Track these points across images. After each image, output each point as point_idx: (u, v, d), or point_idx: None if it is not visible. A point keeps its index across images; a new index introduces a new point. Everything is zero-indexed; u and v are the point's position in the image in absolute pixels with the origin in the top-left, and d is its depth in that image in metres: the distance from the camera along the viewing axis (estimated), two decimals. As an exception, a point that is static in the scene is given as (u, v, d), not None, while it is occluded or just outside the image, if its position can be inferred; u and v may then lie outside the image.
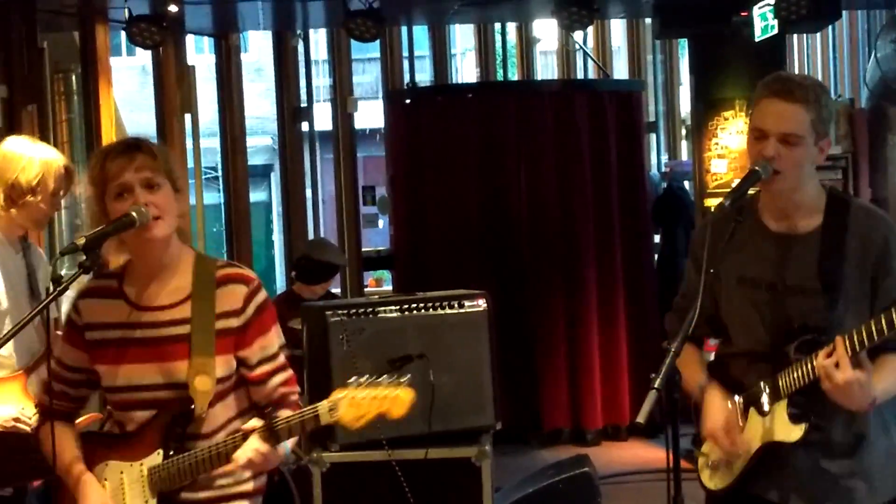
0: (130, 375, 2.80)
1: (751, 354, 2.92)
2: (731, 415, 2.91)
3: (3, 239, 3.81)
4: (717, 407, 2.92)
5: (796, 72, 10.37)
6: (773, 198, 2.88)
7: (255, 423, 2.74)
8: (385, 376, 2.65)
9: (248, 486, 2.88)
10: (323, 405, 2.64)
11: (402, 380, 2.62)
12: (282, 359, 2.89)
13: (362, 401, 2.60)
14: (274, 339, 2.87)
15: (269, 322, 2.86)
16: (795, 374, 2.79)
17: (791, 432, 2.82)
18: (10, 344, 3.42)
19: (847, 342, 2.67)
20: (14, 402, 3.70)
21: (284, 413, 2.79)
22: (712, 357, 3.12)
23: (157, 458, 2.78)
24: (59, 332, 3.22)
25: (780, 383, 2.83)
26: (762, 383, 2.88)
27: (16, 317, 3.65)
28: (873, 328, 2.64)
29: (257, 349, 2.83)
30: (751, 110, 2.91)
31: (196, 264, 2.84)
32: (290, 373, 2.91)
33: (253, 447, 2.68)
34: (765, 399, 2.86)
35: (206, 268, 2.83)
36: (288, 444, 2.78)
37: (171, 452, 2.77)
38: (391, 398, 2.60)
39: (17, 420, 3.66)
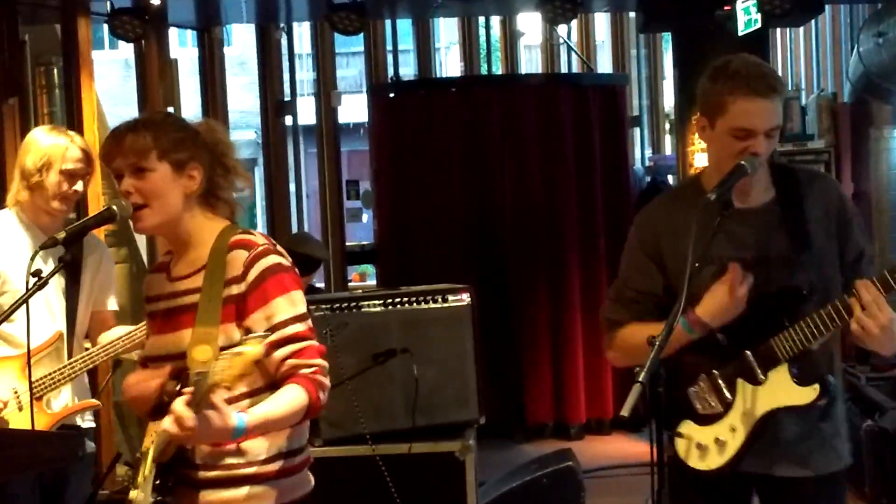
0: (155, 346, 2.80)
1: (728, 332, 2.87)
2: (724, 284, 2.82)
3: (30, 224, 3.86)
4: (716, 292, 2.82)
5: (780, 66, 10.41)
6: (743, 185, 2.85)
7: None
8: (250, 336, 2.54)
9: (265, 469, 2.69)
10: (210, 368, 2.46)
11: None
12: (293, 329, 2.66)
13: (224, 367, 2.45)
14: (282, 307, 2.66)
15: (273, 289, 2.66)
16: (797, 337, 2.80)
17: (801, 395, 2.83)
18: (20, 323, 3.43)
19: (883, 282, 2.69)
20: (7, 382, 3.70)
21: (282, 388, 2.62)
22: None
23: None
24: None
25: (776, 349, 2.83)
26: (747, 353, 2.86)
27: (38, 304, 3.68)
28: None
29: (261, 318, 2.64)
30: (714, 104, 2.85)
31: (219, 235, 2.73)
32: (303, 344, 2.66)
33: (174, 410, 2.47)
34: (757, 368, 2.85)
35: (224, 237, 2.72)
36: (244, 418, 2.53)
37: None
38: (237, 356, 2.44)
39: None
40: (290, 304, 2.67)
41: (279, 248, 2.75)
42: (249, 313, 2.65)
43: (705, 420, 2.92)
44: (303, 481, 2.85)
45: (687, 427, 2.95)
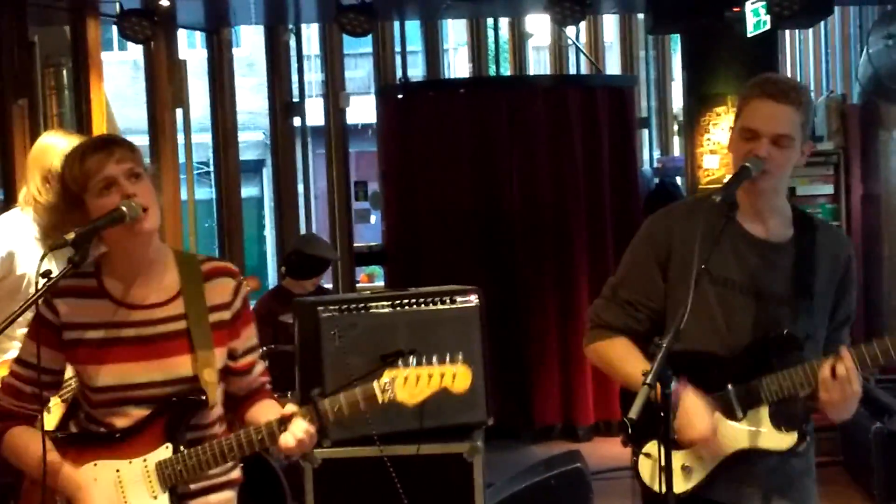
0: (123, 374, 2.75)
1: (714, 357, 2.87)
2: (714, 422, 2.82)
3: (45, 228, 3.84)
4: (702, 411, 2.80)
5: (788, 67, 10.39)
6: (754, 198, 2.86)
7: (293, 407, 2.77)
8: (435, 357, 2.76)
9: (234, 475, 2.91)
10: (377, 384, 2.72)
11: (458, 357, 2.75)
12: (259, 350, 2.97)
13: (417, 379, 2.72)
14: (255, 329, 2.94)
15: (251, 314, 2.93)
16: (784, 383, 2.81)
17: (781, 441, 2.84)
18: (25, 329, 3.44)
19: (860, 354, 2.74)
20: None
21: (265, 402, 2.91)
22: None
23: (164, 452, 2.75)
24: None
25: (763, 390, 2.83)
26: (730, 388, 2.85)
27: None
28: (879, 349, 2.73)
29: (245, 339, 2.89)
30: (737, 109, 2.90)
31: (178, 260, 2.84)
32: (264, 363, 3.00)
33: (302, 429, 2.72)
34: (736, 405, 2.84)
35: (189, 263, 2.84)
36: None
37: (181, 446, 2.75)
38: (450, 374, 2.75)
39: None
40: (255, 326, 2.97)
41: None
42: (237, 336, 2.87)
43: (674, 444, 2.81)
44: None
45: (653, 448, 2.88)
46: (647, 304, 2.95)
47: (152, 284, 2.80)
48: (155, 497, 2.75)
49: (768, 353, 2.84)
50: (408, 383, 2.73)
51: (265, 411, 2.87)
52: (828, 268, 2.91)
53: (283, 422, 2.74)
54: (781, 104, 2.80)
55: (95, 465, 2.77)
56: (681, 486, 2.87)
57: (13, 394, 2.84)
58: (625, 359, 2.93)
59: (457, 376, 2.77)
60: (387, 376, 2.73)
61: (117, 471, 2.76)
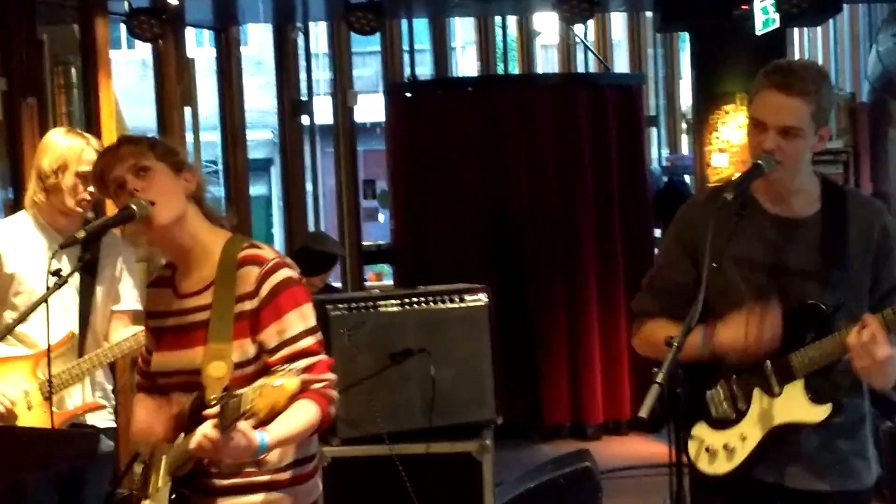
0: (164, 362, 2.81)
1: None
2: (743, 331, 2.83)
3: (46, 225, 3.88)
4: (734, 323, 2.82)
5: (797, 65, 10.35)
6: (771, 184, 2.86)
7: (213, 410, 2.56)
8: (286, 366, 2.59)
9: (280, 476, 2.75)
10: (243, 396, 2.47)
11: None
12: (305, 343, 2.71)
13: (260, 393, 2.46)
14: (294, 321, 2.70)
15: (286, 304, 2.70)
16: (814, 354, 2.79)
17: (814, 412, 2.81)
18: (33, 323, 3.48)
19: (885, 317, 2.69)
20: (18, 381, 3.71)
21: (298, 402, 2.63)
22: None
23: (181, 440, 2.74)
24: None
25: (795, 363, 2.82)
26: (767, 364, 2.85)
27: (54, 303, 3.67)
28: None
29: (274, 333, 2.69)
30: (751, 97, 2.89)
31: (224, 248, 2.76)
32: (314, 359, 2.71)
33: (202, 432, 2.51)
34: (773, 380, 2.85)
35: (231, 251, 2.75)
36: (265, 437, 2.56)
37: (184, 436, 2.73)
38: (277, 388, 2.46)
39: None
40: (301, 318, 2.73)
41: (288, 260, 2.80)
42: (263, 328, 2.70)
43: (718, 425, 2.91)
44: (314, 487, 2.89)
45: (700, 429, 2.93)
46: (684, 287, 2.92)
47: (193, 274, 2.80)
48: (165, 484, 2.74)
49: (800, 327, 2.82)
50: (252, 394, 2.45)
51: (287, 414, 2.62)
52: (861, 237, 2.86)
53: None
54: (787, 96, 2.77)
55: (160, 445, 2.82)
56: (724, 466, 2.90)
57: (139, 373, 3.02)
58: (665, 328, 2.87)
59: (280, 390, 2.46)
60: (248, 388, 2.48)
61: (163, 455, 2.79)
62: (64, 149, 3.84)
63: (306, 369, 2.68)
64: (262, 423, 2.57)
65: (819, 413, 2.81)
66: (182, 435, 2.73)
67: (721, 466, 2.90)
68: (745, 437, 2.88)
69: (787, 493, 2.92)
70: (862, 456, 2.95)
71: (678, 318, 2.84)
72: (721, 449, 2.91)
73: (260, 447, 2.57)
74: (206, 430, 2.51)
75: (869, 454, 2.97)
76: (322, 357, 2.75)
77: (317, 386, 2.70)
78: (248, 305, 2.70)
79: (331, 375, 2.75)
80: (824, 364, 2.79)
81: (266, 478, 2.73)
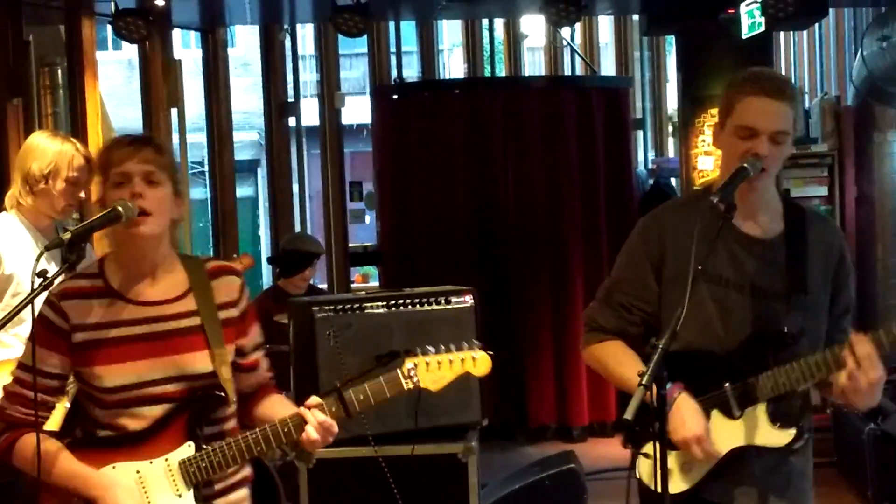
0: (138, 371, 2.72)
1: (711, 356, 2.87)
2: (706, 425, 2.82)
3: (30, 226, 3.89)
4: (694, 412, 2.81)
5: (783, 69, 10.40)
6: (748, 195, 2.84)
7: (316, 399, 2.79)
8: (452, 345, 2.85)
9: (247, 472, 2.92)
10: (401, 372, 2.81)
11: (475, 343, 2.87)
12: (264, 344, 3.01)
13: (439, 365, 2.83)
14: (258, 327, 2.95)
15: (254, 311, 2.95)
16: (782, 379, 2.80)
17: (779, 437, 2.83)
18: (26, 325, 3.43)
19: (877, 338, 2.72)
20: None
21: (273, 397, 2.94)
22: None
23: (187, 450, 2.73)
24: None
25: (757, 388, 2.82)
26: (728, 386, 2.84)
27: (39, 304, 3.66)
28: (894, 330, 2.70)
29: (252, 336, 2.91)
30: (726, 105, 2.86)
31: (183, 261, 2.85)
32: (268, 360, 3.02)
33: (324, 420, 2.75)
34: (733, 403, 2.84)
35: (194, 263, 2.86)
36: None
37: (203, 444, 2.74)
38: (470, 359, 2.88)
39: None
40: (259, 324, 2.98)
41: None
42: (246, 333, 2.89)
43: (673, 445, 2.84)
44: None
45: (651, 448, 2.84)
46: (640, 307, 2.95)
47: (160, 282, 2.79)
48: (179, 495, 2.73)
49: (763, 350, 2.83)
50: (430, 369, 2.83)
51: (275, 406, 2.90)
52: (820, 260, 2.89)
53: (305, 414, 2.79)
54: (778, 101, 2.79)
55: (114, 467, 2.73)
56: (679, 485, 2.88)
57: (21, 402, 2.77)
58: (619, 361, 2.95)
59: (477, 361, 2.91)
60: (409, 363, 2.82)
61: (137, 472, 2.73)
62: (55, 154, 3.84)
63: (269, 367, 3.00)
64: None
65: (783, 437, 2.84)
66: (189, 444, 2.73)
67: (676, 486, 2.87)
68: (701, 457, 2.84)
69: None
70: (806, 477, 2.97)
71: (633, 341, 2.94)
72: (677, 469, 2.88)
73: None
74: (326, 418, 2.75)
75: (810, 471, 2.99)
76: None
77: (274, 383, 3.03)
78: (234, 313, 2.84)
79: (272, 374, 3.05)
80: (789, 389, 2.80)
81: (241, 475, 2.88)
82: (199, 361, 2.74)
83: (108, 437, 2.77)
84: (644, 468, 2.96)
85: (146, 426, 2.74)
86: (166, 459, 2.73)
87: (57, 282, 2.71)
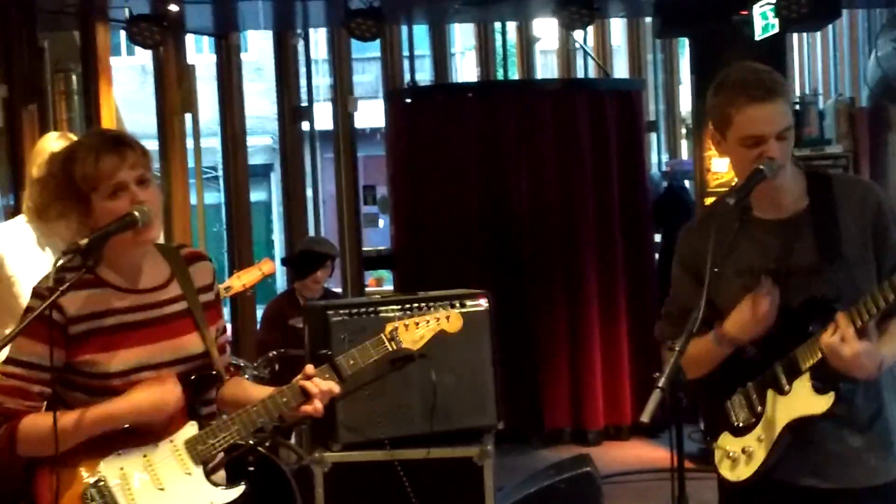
0: (136, 357, 2.79)
1: (761, 342, 2.89)
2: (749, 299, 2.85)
3: (43, 230, 3.88)
4: (741, 308, 2.86)
5: (797, 70, 10.39)
6: (768, 192, 2.86)
7: (311, 368, 2.92)
8: (430, 308, 3.08)
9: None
10: (384, 335, 3.04)
11: (450, 307, 3.08)
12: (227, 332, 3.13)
13: (417, 325, 3.09)
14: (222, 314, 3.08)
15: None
16: (813, 348, 2.79)
17: (817, 404, 2.81)
18: None
19: (851, 315, 2.70)
20: None
21: (236, 378, 3.05)
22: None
23: (191, 429, 2.83)
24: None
25: (799, 359, 2.83)
26: (776, 364, 2.87)
27: None
28: (878, 297, 2.67)
29: (223, 319, 3.04)
30: (721, 117, 2.85)
31: (160, 248, 2.93)
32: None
33: (326, 386, 2.89)
34: (783, 379, 2.86)
35: (169, 250, 2.95)
36: None
37: (204, 422, 2.86)
38: (444, 319, 3.16)
39: None
40: None
41: None
42: (220, 316, 3.02)
43: (741, 431, 2.94)
44: None
45: (723, 439, 2.97)
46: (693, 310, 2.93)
47: (145, 271, 2.87)
48: (189, 473, 2.81)
49: (804, 321, 2.83)
50: (409, 330, 3.09)
51: (241, 385, 3.03)
52: (854, 219, 2.86)
53: (305, 380, 2.90)
54: (772, 102, 2.80)
55: (119, 454, 2.79)
56: (744, 470, 2.92)
57: (20, 395, 2.78)
58: (695, 348, 2.88)
59: (450, 318, 3.20)
60: (389, 327, 3.05)
61: (144, 455, 2.80)
62: (50, 154, 3.83)
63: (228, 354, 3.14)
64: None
65: (822, 403, 2.80)
66: (192, 423, 2.83)
67: (742, 471, 2.92)
68: (762, 438, 2.89)
69: (807, 492, 2.90)
70: (876, 452, 2.89)
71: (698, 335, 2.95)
72: (741, 454, 2.93)
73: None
74: (330, 384, 2.90)
75: (885, 450, 2.90)
76: None
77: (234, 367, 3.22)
78: (211, 296, 2.98)
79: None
80: (822, 356, 2.78)
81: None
82: (192, 343, 2.86)
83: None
84: (718, 456, 2.99)
85: None
86: (171, 440, 2.81)
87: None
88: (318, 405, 2.88)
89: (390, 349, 3.06)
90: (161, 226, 2.85)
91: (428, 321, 3.13)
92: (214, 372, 2.87)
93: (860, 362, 2.70)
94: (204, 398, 2.88)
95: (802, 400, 2.83)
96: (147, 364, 2.79)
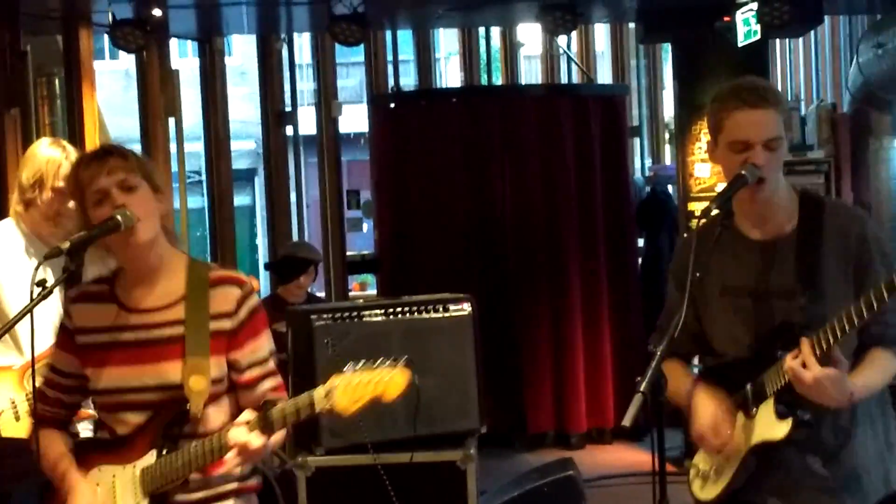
0: (120, 377, 2.78)
1: (738, 363, 2.92)
2: (718, 414, 2.88)
3: (28, 233, 3.87)
4: (704, 406, 2.89)
5: (779, 76, 10.43)
6: (754, 205, 2.87)
7: (247, 415, 2.72)
8: (381, 360, 2.65)
9: (249, 483, 2.90)
10: (319, 391, 2.63)
11: (398, 362, 2.64)
12: (272, 364, 2.87)
13: (357, 385, 2.61)
14: (264, 343, 2.85)
15: (260, 326, 2.85)
16: (779, 373, 2.80)
17: (776, 429, 2.81)
18: (25, 329, 3.44)
19: (814, 341, 2.70)
20: (5, 391, 3.72)
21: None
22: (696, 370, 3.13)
23: (150, 458, 2.76)
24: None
25: (766, 383, 2.84)
26: (747, 387, 2.88)
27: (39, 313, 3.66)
28: (836, 326, 2.67)
29: (248, 352, 2.81)
30: (714, 122, 2.89)
31: (189, 267, 2.83)
32: (279, 379, 2.88)
33: (243, 438, 2.65)
34: (750, 402, 2.87)
35: (199, 271, 2.83)
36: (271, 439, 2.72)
37: (165, 452, 2.74)
38: (386, 381, 2.63)
39: None
40: (268, 340, 2.88)
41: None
42: (239, 347, 2.81)
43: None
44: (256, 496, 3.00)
45: (698, 457, 3.01)
46: (687, 330, 2.85)
47: (155, 289, 2.80)
48: (137, 503, 2.76)
49: (773, 346, 2.84)
50: (349, 389, 2.61)
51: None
52: (837, 248, 2.85)
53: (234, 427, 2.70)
54: (763, 109, 2.82)
55: (99, 469, 2.81)
56: (712, 490, 2.95)
57: (41, 398, 2.90)
58: (674, 377, 2.88)
59: (391, 383, 2.63)
60: (330, 382, 2.63)
61: (114, 476, 2.79)
62: (41, 163, 3.81)
63: (274, 388, 2.86)
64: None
65: (781, 429, 2.81)
66: (153, 452, 2.75)
67: (710, 491, 2.95)
68: (730, 459, 2.90)
69: None
70: (852, 481, 2.87)
71: (685, 354, 3.04)
72: (711, 473, 2.95)
73: (267, 446, 2.70)
74: (247, 436, 2.64)
75: (861, 477, 2.88)
76: (280, 378, 2.90)
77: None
78: (227, 324, 2.78)
79: (286, 396, 2.87)
80: (786, 382, 2.78)
81: (234, 486, 2.83)
82: (172, 371, 2.74)
83: (102, 440, 2.89)
84: (692, 474, 3.01)
85: (128, 432, 2.79)
86: (134, 466, 2.78)
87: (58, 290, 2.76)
88: (231, 461, 2.69)
89: (317, 409, 2.63)
90: (152, 230, 2.75)
91: (370, 382, 2.61)
92: (185, 406, 2.72)
93: (822, 388, 2.68)
94: (178, 432, 2.74)
95: (764, 425, 2.85)
96: (128, 386, 2.76)
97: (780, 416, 2.81)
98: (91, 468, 2.82)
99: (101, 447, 2.85)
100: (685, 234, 3.25)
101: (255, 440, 2.65)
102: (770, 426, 2.83)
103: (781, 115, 2.86)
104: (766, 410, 2.84)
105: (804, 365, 2.69)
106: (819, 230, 2.88)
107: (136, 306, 2.81)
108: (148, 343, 2.78)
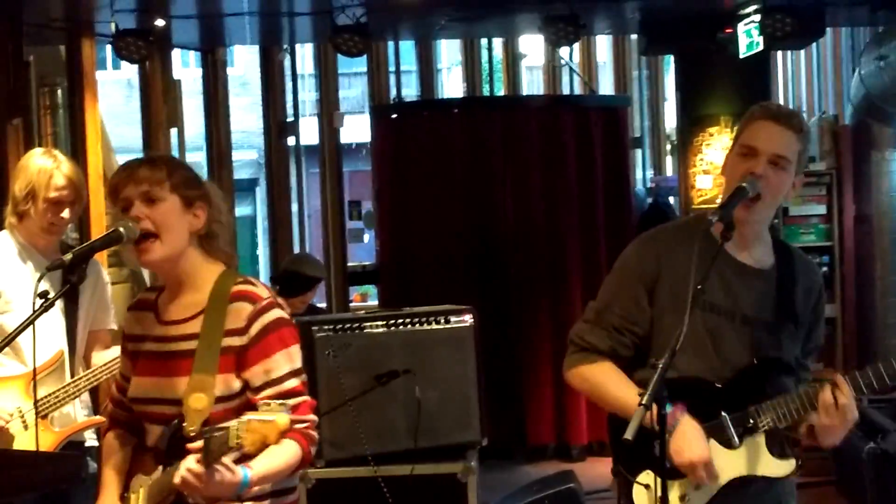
0: (142, 388, 2.79)
1: (697, 382, 2.85)
2: (709, 447, 2.80)
3: (25, 244, 3.87)
4: (698, 437, 2.78)
5: (781, 88, 10.44)
6: (742, 226, 2.84)
7: (198, 444, 2.54)
8: (274, 406, 2.50)
9: (274, 500, 2.76)
10: (229, 433, 2.45)
11: (281, 407, 2.49)
12: (290, 384, 2.70)
13: (259, 425, 2.44)
14: (281, 362, 2.70)
15: (275, 344, 2.70)
16: (783, 410, 2.80)
17: (781, 467, 2.84)
18: (24, 343, 3.46)
19: (853, 381, 2.76)
20: (12, 400, 3.73)
21: (286, 441, 2.63)
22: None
23: (158, 472, 2.75)
24: None
25: (760, 417, 2.82)
26: (724, 416, 2.83)
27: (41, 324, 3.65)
28: (884, 372, 2.74)
29: (260, 372, 2.69)
30: (737, 132, 2.92)
31: (218, 280, 2.75)
32: (298, 400, 2.69)
33: (186, 466, 2.51)
34: (732, 432, 2.83)
35: (225, 283, 2.74)
36: (248, 473, 2.56)
37: (165, 468, 2.70)
38: (272, 424, 2.44)
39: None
40: (288, 359, 2.72)
41: (279, 300, 2.80)
42: (250, 366, 2.69)
43: (671, 474, 2.78)
44: None
45: (648, 478, 2.86)
46: (632, 330, 2.92)
47: (182, 301, 2.77)
48: None
49: (761, 379, 2.83)
50: (249, 432, 2.43)
51: (266, 454, 2.59)
52: (804, 295, 2.94)
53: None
54: (783, 127, 2.83)
55: (138, 477, 2.83)
56: None
57: (115, 403, 2.98)
58: (616, 382, 2.91)
59: (272, 424, 2.43)
60: (241, 425, 2.45)
61: (141, 487, 2.80)
62: (34, 174, 3.80)
63: (292, 409, 2.61)
64: (245, 458, 2.56)
65: (786, 467, 2.84)
66: (160, 468, 2.74)
67: None
68: (700, 487, 2.82)
69: None
70: (793, 497, 2.98)
71: (624, 360, 2.91)
72: (677, 499, 2.84)
73: (243, 483, 2.56)
74: (191, 464, 2.51)
75: (794, 494, 2.99)
76: (306, 398, 2.75)
77: (300, 426, 2.67)
78: (237, 341, 2.69)
79: (313, 417, 2.75)
80: (789, 421, 2.81)
81: (267, 502, 2.71)
82: (178, 386, 2.68)
83: (143, 447, 2.85)
84: (641, 499, 2.87)
85: (152, 443, 2.78)
86: (150, 479, 2.78)
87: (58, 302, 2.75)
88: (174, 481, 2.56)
89: (234, 448, 2.46)
90: (174, 243, 2.69)
91: (263, 422, 2.42)
92: (178, 423, 2.65)
93: (848, 429, 2.77)
94: (181, 451, 2.58)
95: (759, 460, 2.83)
96: (147, 397, 2.77)
97: (779, 455, 2.83)
98: (135, 475, 2.84)
99: (141, 454, 2.86)
100: (656, 231, 3.14)
101: (196, 469, 2.49)
102: (768, 463, 2.83)
103: (800, 143, 2.85)
104: (756, 444, 2.83)
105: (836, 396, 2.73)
106: (792, 272, 2.94)
107: (164, 318, 2.80)
108: (166, 355, 2.75)
